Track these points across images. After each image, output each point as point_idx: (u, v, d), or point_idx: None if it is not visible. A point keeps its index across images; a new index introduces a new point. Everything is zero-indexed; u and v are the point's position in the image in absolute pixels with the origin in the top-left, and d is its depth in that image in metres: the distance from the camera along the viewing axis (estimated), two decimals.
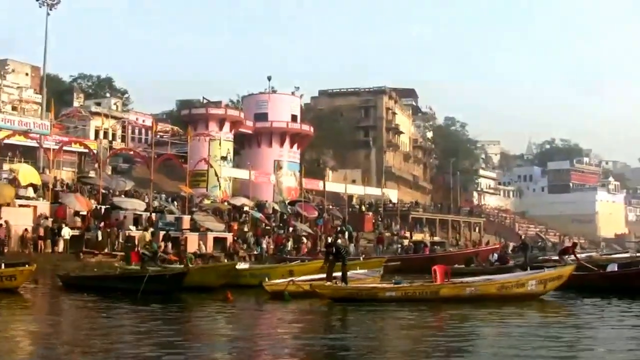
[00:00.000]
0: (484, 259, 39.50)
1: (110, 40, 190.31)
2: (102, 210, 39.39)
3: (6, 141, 44.16)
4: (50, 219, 36.03)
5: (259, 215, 50.42)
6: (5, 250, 32.25)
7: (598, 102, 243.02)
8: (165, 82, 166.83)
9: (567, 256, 26.33)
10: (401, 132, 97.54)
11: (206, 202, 51.07)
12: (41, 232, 34.77)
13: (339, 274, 20.08)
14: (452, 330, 14.15)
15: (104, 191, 43.58)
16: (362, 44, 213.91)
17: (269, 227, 49.26)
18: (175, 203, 47.94)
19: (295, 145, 74.03)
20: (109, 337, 13.00)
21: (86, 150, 50.30)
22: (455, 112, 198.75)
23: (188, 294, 21.14)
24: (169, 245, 35.14)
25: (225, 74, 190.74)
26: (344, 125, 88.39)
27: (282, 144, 72.77)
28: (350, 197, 68.90)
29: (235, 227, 45.48)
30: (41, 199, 38.33)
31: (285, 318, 16.82)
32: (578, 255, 27.23)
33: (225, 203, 52.10)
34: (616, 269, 24.02)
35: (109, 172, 52.83)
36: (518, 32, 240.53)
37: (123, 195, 44.41)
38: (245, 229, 46.45)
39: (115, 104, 71.45)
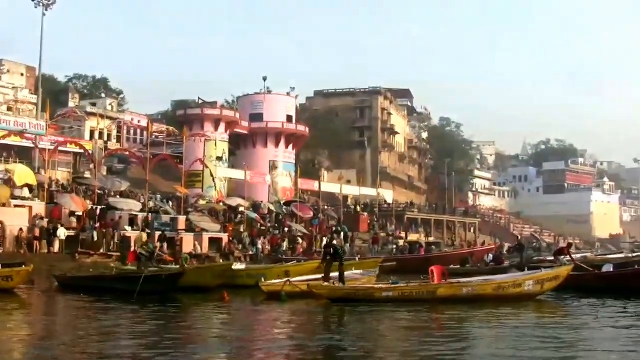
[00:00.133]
0: (479, 259, 39.58)
1: (105, 41, 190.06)
2: (98, 211, 39.30)
3: (1, 141, 44.11)
4: (46, 220, 35.97)
5: (254, 215, 50.41)
6: (1, 251, 32.18)
7: (595, 102, 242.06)
8: (161, 82, 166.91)
9: (562, 257, 26.38)
10: (396, 133, 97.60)
11: (202, 202, 50.98)
12: (37, 232, 34.70)
13: (336, 274, 20.11)
14: (449, 330, 14.18)
15: (99, 192, 43.48)
16: (358, 44, 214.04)
17: (264, 228, 49.25)
18: (171, 203, 47.90)
19: (291, 146, 74.06)
20: (105, 338, 13.00)
21: (81, 151, 50.16)
22: (450, 113, 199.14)
23: (184, 294, 21.16)
24: (165, 245, 35.14)
25: (220, 74, 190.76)
26: (339, 126, 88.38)
27: (277, 144, 72.80)
28: (346, 197, 68.95)
29: (231, 227, 45.45)
30: (37, 199, 38.27)
31: (282, 318, 16.84)
32: (573, 256, 27.28)
33: (221, 203, 52.02)
34: (612, 270, 24.10)
35: (105, 173, 52.71)
36: (516, 32, 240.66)
37: (118, 196, 44.34)
38: (241, 230, 46.44)
39: (110, 104, 71.31)
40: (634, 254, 38.93)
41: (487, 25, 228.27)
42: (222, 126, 68.00)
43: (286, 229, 50.74)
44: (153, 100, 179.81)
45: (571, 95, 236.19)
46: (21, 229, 34.09)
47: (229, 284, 22.55)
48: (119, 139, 67.50)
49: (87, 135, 61.81)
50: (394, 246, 54.03)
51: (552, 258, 29.45)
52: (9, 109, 58.44)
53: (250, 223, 48.68)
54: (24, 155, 48.02)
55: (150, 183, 45.72)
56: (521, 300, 18.42)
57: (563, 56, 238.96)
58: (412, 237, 62.17)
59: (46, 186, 39.61)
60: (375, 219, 66.05)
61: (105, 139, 64.68)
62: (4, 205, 35.14)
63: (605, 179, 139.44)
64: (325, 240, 38.27)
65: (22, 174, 39.32)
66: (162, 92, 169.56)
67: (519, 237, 57.27)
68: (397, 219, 68.88)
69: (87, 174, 50.43)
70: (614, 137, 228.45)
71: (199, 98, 73.74)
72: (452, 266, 31.64)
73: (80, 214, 38.01)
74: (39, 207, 37.27)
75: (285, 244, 46.83)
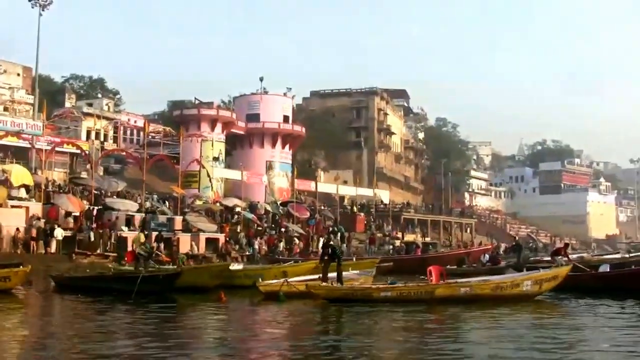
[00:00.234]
0: (475, 259, 39.67)
1: (102, 41, 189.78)
2: (95, 211, 39.28)
3: None
4: (43, 220, 35.91)
5: (251, 216, 50.43)
6: None
7: (594, 103, 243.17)
8: (157, 82, 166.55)
9: (559, 257, 26.43)
10: (393, 133, 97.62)
11: (198, 202, 51.00)
12: (33, 233, 34.65)
13: (333, 274, 20.13)
14: (447, 331, 14.20)
15: (96, 192, 43.49)
16: (357, 44, 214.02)
17: (261, 228, 49.24)
18: (167, 204, 47.87)
19: (287, 146, 74.03)
20: (102, 338, 12.99)
21: (78, 151, 50.17)
22: (448, 113, 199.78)
23: (182, 294, 21.16)
24: (161, 246, 35.14)
25: (216, 74, 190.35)
26: (335, 126, 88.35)
27: (274, 144, 72.76)
28: (342, 197, 68.95)
29: (228, 228, 45.45)
30: (33, 199, 38.20)
31: (280, 318, 16.84)
32: (570, 256, 27.33)
33: (218, 204, 52.07)
34: (608, 270, 24.16)
35: (101, 173, 52.68)
36: (515, 32, 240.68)
37: (115, 196, 44.32)
38: (238, 230, 46.43)
39: (107, 104, 71.26)
40: (631, 255, 38.96)
41: (487, 25, 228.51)
42: (218, 126, 67.94)
43: (283, 230, 50.75)
44: (149, 100, 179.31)
45: (570, 95, 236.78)
46: (18, 229, 34.05)
47: (226, 284, 22.55)
48: (115, 139, 67.44)
49: (83, 136, 61.78)
50: (391, 246, 54.12)
51: (548, 258, 29.54)
52: (6, 109, 58.33)
53: (246, 223, 48.68)
54: (20, 155, 47.96)
55: (146, 183, 45.73)
56: (519, 300, 18.42)
57: (562, 56, 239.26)
58: (409, 237, 62.28)
59: (43, 186, 39.54)
60: (372, 220, 66.09)
61: (102, 139, 64.68)
62: (0, 205, 35.07)
63: (602, 180, 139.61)
64: (322, 240, 38.33)
65: (19, 174, 39.31)
66: (159, 93, 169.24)
67: (516, 238, 57.32)
68: (393, 219, 68.91)
69: (84, 175, 50.43)
70: (611, 137, 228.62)
71: (195, 98, 73.69)
72: (448, 266, 31.66)
73: (77, 214, 37.98)
74: (36, 207, 37.19)
75: (281, 245, 46.86)
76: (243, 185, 56.18)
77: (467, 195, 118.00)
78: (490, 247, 51.68)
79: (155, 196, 49.92)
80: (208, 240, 41.60)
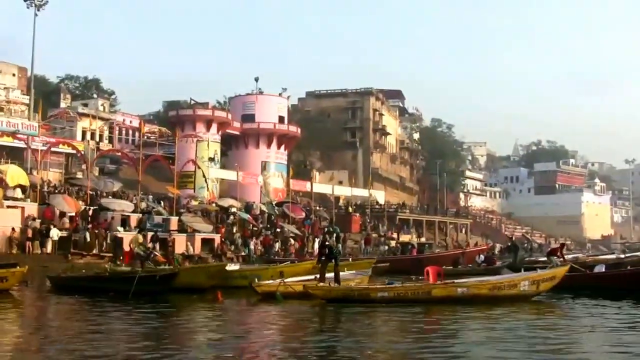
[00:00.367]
0: (471, 260, 39.70)
1: (97, 42, 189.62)
2: (90, 212, 39.24)
3: None
4: (38, 220, 35.88)
5: (246, 216, 50.44)
6: None
7: (593, 103, 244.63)
8: (152, 83, 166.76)
9: (555, 257, 26.46)
10: (388, 134, 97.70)
11: (194, 203, 50.97)
12: (29, 233, 34.61)
13: (331, 274, 20.14)
14: (444, 331, 14.22)
15: (91, 192, 43.45)
16: (356, 44, 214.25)
17: (256, 229, 49.25)
18: (163, 204, 47.86)
19: (283, 147, 74.15)
20: (99, 338, 12.99)
21: (73, 152, 50.12)
22: (444, 113, 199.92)
23: (178, 294, 21.13)
24: (157, 246, 35.06)
25: (212, 75, 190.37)
26: (331, 127, 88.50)
27: (269, 145, 72.86)
28: (337, 198, 69.03)
29: (223, 228, 45.44)
30: (29, 200, 38.19)
31: (277, 319, 16.83)
32: (565, 257, 27.38)
33: (213, 204, 52.03)
34: (604, 270, 24.20)
35: (97, 173, 52.71)
36: (509, 33, 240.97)
37: (111, 197, 44.29)
38: (233, 230, 46.44)
39: (102, 105, 71.27)
40: (626, 255, 39.06)
41: (482, 26, 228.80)
42: (214, 127, 68.03)
43: (278, 230, 50.75)
44: (145, 100, 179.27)
45: (565, 96, 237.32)
46: (13, 230, 34.04)
47: (223, 284, 22.53)
48: (110, 140, 67.47)
49: (79, 136, 61.79)
50: (386, 247, 54.15)
51: (544, 258, 29.58)
52: (1, 109, 58.29)
53: (242, 224, 48.71)
54: (15, 155, 47.92)
55: (142, 184, 45.67)
56: (517, 300, 18.42)
57: (559, 57, 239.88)
58: (404, 237, 62.27)
59: (38, 187, 39.51)
60: (367, 220, 66.13)
61: (97, 139, 64.70)
62: None
63: (596, 180, 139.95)
64: (318, 240, 38.28)
65: (15, 174, 39.19)
66: (154, 93, 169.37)
67: (512, 238, 57.36)
68: (388, 219, 68.95)
69: (79, 175, 50.45)
70: (606, 138, 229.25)
71: (190, 99, 73.81)
72: (444, 267, 31.68)
73: (73, 214, 37.94)
74: (31, 207, 37.18)
75: (277, 245, 46.86)
76: (238, 185, 56.22)
77: (462, 195, 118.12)
78: (485, 247, 51.71)
79: (150, 196, 49.90)
80: (204, 240, 41.58)
